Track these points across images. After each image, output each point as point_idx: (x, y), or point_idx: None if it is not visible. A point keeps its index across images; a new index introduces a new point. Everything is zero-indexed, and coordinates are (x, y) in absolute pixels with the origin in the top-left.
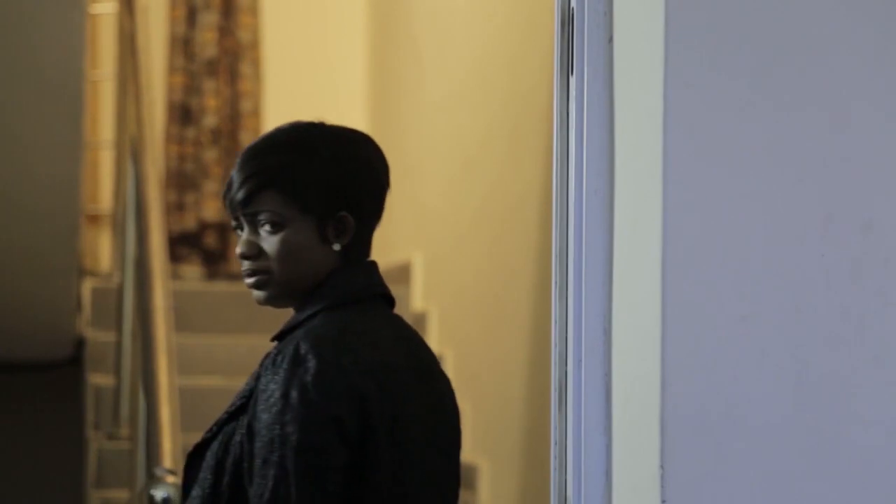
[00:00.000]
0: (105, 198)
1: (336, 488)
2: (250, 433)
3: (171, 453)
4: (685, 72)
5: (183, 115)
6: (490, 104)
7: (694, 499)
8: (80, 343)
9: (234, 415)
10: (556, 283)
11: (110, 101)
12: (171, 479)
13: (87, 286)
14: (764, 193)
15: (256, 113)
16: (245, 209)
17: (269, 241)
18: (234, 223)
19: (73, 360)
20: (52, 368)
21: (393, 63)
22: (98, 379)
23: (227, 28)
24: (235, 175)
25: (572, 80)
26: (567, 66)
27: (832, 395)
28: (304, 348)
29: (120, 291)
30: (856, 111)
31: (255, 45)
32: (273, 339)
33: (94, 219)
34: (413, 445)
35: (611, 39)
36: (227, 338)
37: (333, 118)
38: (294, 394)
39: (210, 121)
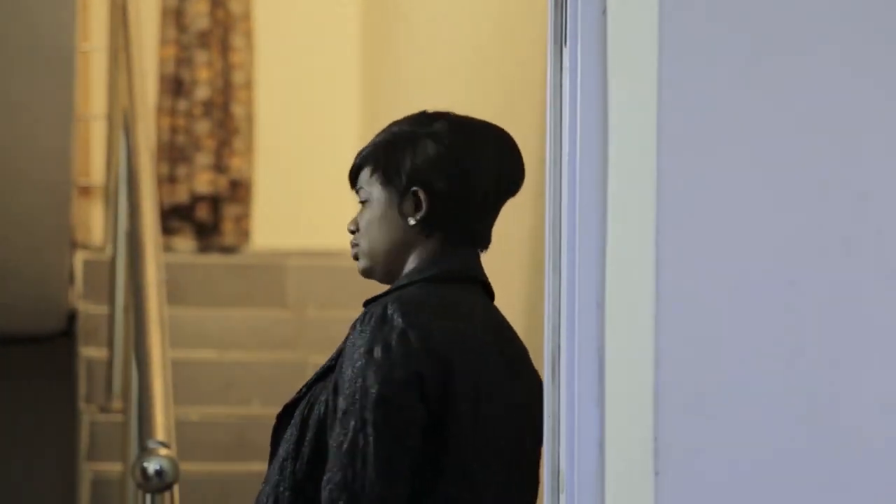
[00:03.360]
0: (97, 170)
1: (414, 443)
2: (335, 390)
3: (163, 426)
4: (679, 43)
5: (175, 87)
6: (484, 76)
7: (687, 470)
8: (72, 316)
9: (321, 376)
10: (549, 254)
11: (102, 73)
12: (163, 451)
13: (79, 259)
14: (760, 163)
15: (249, 85)
16: (352, 188)
17: (362, 217)
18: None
19: (65, 333)
20: (43, 341)
21: (386, 35)
22: (90, 352)
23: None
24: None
25: (566, 51)
26: (560, 37)
27: (827, 367)
28: (391, 309)
29: (112, 264)
30: (854, 83)
31: (246, 16)
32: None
33: (86, 191)
34: (491, 425)
35: (605, 10)
36: (220, 311)
37: (324, 90)
38: (378, 350)
39: (202, 93)
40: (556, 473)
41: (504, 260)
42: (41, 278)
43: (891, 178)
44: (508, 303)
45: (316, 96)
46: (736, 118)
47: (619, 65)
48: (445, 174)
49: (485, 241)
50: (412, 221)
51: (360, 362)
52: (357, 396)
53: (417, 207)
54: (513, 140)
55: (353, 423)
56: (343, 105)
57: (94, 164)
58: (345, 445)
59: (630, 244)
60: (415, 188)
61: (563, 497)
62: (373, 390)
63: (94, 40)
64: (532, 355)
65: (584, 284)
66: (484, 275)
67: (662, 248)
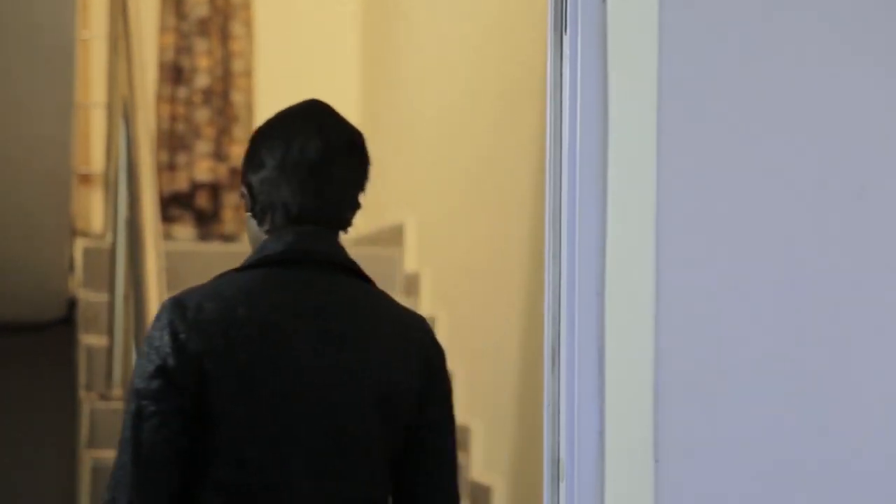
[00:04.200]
0: (97, 158)
1: (171, 432)
2: None
3: None
4: (679, 32)
5: (175, 75)
6: (484, 64)
7: (687, 460)
8: (72, 303)
9: None
10: (549, 244)
11: (102, 62)
12: None
13: (80, 246)
14: (758, 157)
15: (248, 73)
16: None
17: None
18: None
19: (66, 321)
20: (44, 329)
21: (385, 24)
22: (90, 339)
23: None
24: None
25: (566, 39)
26: (560, 25)
27: (827, 358)
28: (163, 306)
29: (112, 252)
30: (851, 73)
31: (246, 4)
32: None
33: (86, 179)
34: (271, 406)
35: None
36: None
37: (324, 80)
38: (144, 346)
39: (202, 81)
40: (555, 462)
41: (504, 248)
42: (41, 266)
43: (890, 172)
44: (509, 301)
45: (315, 84)
46: (736, 108)
47: (619, 53)
48: (250, 164)
49: (326, 218)
50: (248, 215)
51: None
52: (128, 390)
53: (247, 202)
54: (311, 108)
55: (123, 416)
56: (342, 94)
57: (94, 153)
58: (120, 438)
59: (630, 234)
60: (242, 186)
61: (562, 486)
62: (132, 385)
63: (94, 28)
64: (532, 345)
65: (584, 273)
66: (327, 252)
67: (662, 238)
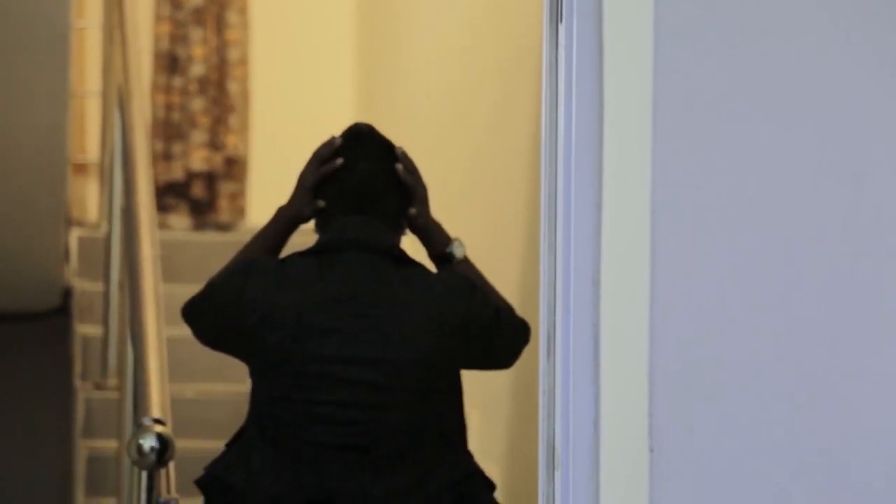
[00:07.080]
0: (92, 147)
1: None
2: None
3: (158, 403)
4: (674, 18)
5: (170, 64)
6: (479, 56)
7: (682, 448)
8: (67, 293)
9: None
10: (544, 232)
11: (97, 51)
12: (159, 428)
13: (75, 236)
14: (754, 143)
15: (244, 62)
16: None
17: None
18: None
19: (61, 310)
20: (39, 318)
21: (382, 12)
22: (85, 329)
23: None
24: None
25: (561, 28)
26: (556, 14)
27: (820, 346)
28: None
29: (107, 241)
30: (848, 60)
31: None
32: None
33: (81, 168)
34: (293, 383)
35: None
36: None
37: (320, 68)
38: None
39: (197, 70)
40: (550, 451)
41: (500, 238)
42: (36, 255)
43: (887, 160)
44: (504, 289)
45: (311, 73)
46: (732, 95)
47: (614, 42)
48: (318, 188)
49: (370, 209)
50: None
51: None
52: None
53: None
54: (352, 130)
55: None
56: (338, 81)
57: (90, 142)
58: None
59: (625, 221)
60: (314, 204)
61: (558, 474)
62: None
63: (89, 17)
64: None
65: (580, 262)
66: (370, 240)
67: (657, 225)
